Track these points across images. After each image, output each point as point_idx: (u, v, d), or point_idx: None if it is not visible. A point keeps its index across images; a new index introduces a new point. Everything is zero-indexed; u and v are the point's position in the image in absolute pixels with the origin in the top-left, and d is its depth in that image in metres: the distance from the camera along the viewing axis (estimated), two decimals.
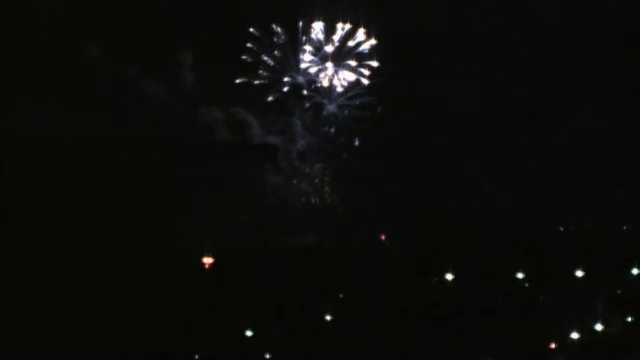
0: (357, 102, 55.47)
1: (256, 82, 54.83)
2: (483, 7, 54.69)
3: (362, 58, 55.33)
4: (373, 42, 55.13)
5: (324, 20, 54.80)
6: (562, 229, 54.58)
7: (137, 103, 53.12)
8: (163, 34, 53.02)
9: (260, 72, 54.91)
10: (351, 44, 55.25)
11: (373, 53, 55.18)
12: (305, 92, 55.51)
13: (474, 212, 54.10)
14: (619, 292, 51.92)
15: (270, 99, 55.09)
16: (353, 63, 55.34)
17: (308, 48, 54.97)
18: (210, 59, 53.76)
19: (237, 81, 54.94)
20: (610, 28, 54.55)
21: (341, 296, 52.34)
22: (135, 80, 53.20)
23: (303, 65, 55.20)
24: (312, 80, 55.43)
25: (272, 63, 55.05)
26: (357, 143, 55.87)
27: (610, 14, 54.56)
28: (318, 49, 55.14)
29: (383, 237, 54.93)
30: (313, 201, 55.44)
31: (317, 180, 55.68)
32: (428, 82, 54.33)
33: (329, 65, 55.30)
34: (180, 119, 53.92)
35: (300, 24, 54.78)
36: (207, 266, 52.34)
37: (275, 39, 54.90)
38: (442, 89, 54.29)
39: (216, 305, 50.43)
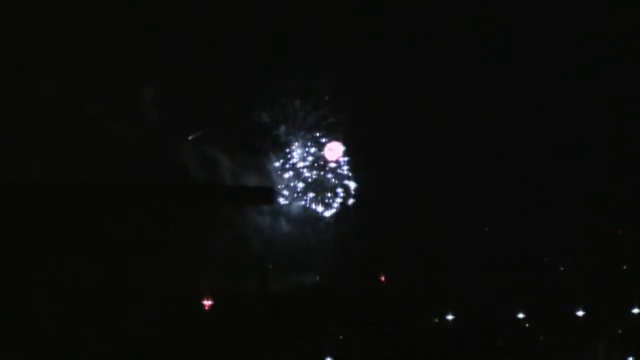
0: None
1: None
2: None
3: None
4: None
5: None
6: (562, 268, 54.53)
7: (101, 143, 52.02)
8: (124, 70, 52.29)
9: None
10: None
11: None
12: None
13: (473, 252, 54.01)
14: (620, 331, 51.67)
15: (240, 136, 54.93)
16: None
17: None
18: (175, 94, 53.30)
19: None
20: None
21: (341, 337, 52.22)
22: (97, 119, 51.96)
23: None
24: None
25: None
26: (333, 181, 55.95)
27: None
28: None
29: (382, 278, 54.93)
30: (303, 241, 55.32)
31: (302, 220, 55.54)
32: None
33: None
34: (151, 159, 52.97)
35: None
36: (206, 308, 52.37)
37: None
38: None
39: (215, 346, 50.39)
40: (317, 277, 54.98)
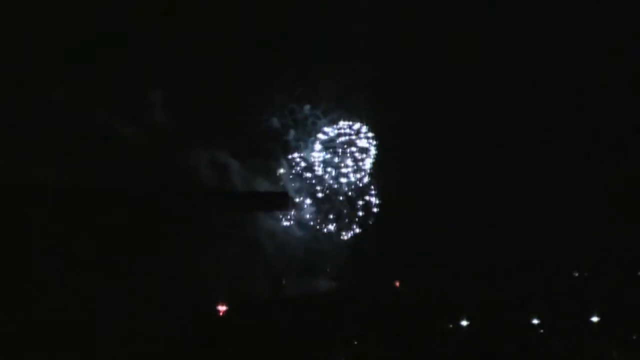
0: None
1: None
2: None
3: None
4: None
5: None
6: (576, 274, 54.51)
7: (110, 148, 51.50)
8: (132, 73, 51.93)
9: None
10: None
11: None
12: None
13: (488, 256, 53.99)
14: (635, 337, 51.66)
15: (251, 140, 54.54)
16: None
17: None
18: (185, 98, 52.96)
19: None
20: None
21: (355, 342, 52.16)
22: (106, 123, 51.41)
23: None
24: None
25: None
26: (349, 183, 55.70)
27: None
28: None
29: (397, 284, 54.89)
30: (316, 246, 55.13)
31: (316, 225, 55.35)
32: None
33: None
34: (160, 163, 52.35)
35: None
36: (221, 313, 52.31)
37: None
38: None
39: (229, 351, 50.33)
40: (330, 282, 54.90)
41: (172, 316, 50.32)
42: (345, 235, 55.59)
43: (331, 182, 55.72)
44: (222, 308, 52.14)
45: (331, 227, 55.52)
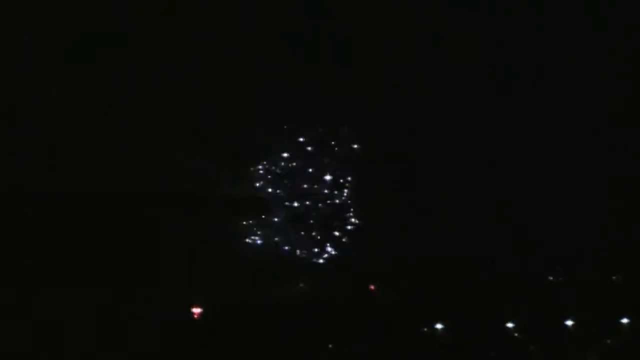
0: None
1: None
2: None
3: None
4: None
5: None
6: (551, 278, 54.59)
7: (88, 153, 51.46)
8: (110, 77, 51.99)
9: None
10: None
11: None
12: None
13: (463, 259, 54.10)
14: (609, 341, 51.71)
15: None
16: None
17: None
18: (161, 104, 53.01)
19: None
20: None
21: (330, 346, 52.14)
22: (83, 128, 51.30)
23: None
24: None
25: None
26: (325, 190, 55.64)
27: None
28: None
29: (372, 287, 54.92)
30: (293, 251, 55.12)
31: (294, 230, 55.32)
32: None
33: None
34: (138, 168, 52.36)
35: None
36: (196, 315, 52.26)
37: None
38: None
39: (207, 355, 50.29)
40: (308, 287, 54.93)
41: (149, 319, 50.32)
42: (324, 240, 55.68)
43: (310, 186, 55.82)
44: (196, 310, 52.14)
45: (309, 232, 55.60)
